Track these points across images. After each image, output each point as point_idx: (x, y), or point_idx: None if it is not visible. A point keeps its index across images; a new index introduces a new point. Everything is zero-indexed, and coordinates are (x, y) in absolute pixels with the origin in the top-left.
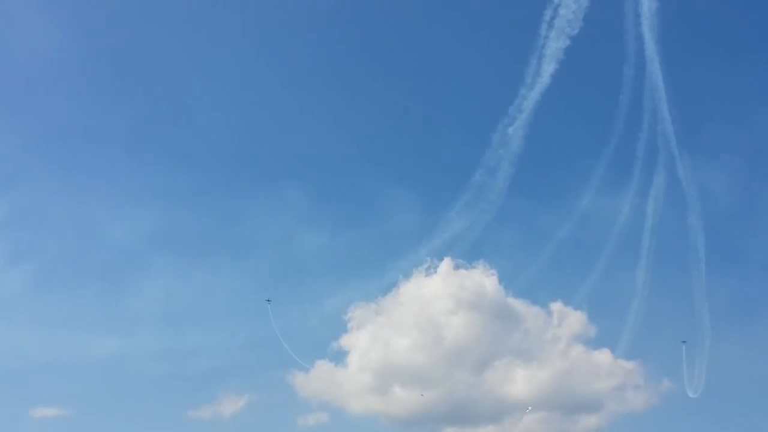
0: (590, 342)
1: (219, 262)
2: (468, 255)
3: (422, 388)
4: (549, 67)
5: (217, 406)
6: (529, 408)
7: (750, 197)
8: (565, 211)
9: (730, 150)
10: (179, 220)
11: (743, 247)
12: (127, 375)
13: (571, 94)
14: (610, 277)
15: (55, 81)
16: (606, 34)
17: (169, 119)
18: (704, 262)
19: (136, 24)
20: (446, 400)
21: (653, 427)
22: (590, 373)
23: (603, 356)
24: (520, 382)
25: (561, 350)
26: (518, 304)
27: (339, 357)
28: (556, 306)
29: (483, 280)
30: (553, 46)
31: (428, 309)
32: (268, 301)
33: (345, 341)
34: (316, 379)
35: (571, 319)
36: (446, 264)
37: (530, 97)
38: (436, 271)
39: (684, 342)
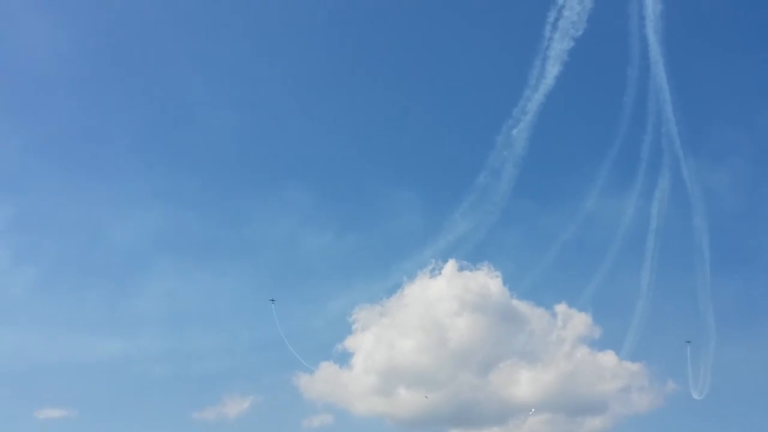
0: (595, 344)
1: (223, 263)
2: (472, 257)
3: (427, 389)
4: (553, 69)
5: (221, 407)
6: (533, 410)
7: (754, 198)
8: (570, 213)
9: (735, 151)
10: (183, 222)
11: (748, 248)
12: (132, 376)
13: (576, 96)
14: (615, 279)
15: (58, 83)
16: (610, 36)
17: (173, 121)
18: (709, 264)
19: (139, 27)
20: (451, 401)
21: (658, 429)
22: (595, 374)
23: (608, 358)
24: (524, 383)
25: (566, 352)
26: (523, 306)
27: (343, 359)
28: (561, 307)
29: (487, 281)
30: (557, 47)
31: (433, 310)
32: (272, 300)
33: (349, 343)
34: (321, 381)
35: (576, 321)
36: (451, 266)
37: (534, 98)
38: (440, 273)
39: (689, 342)
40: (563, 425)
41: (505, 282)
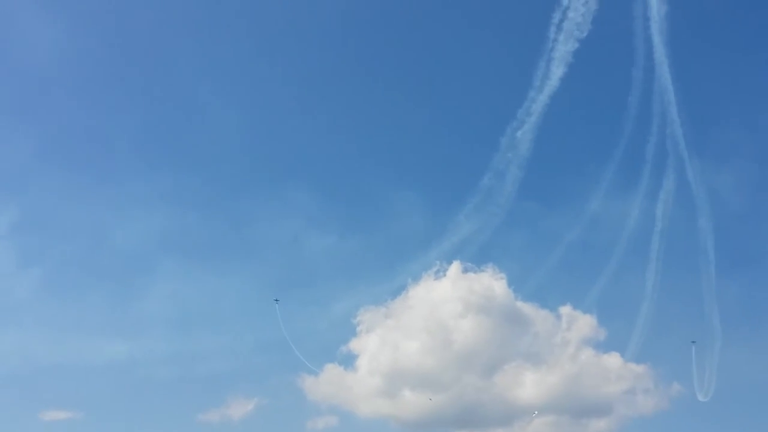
0: (600, 345)
1: (227, 265)
2: (477, 258)
3: (431, 391)
4: (558, 70)
5: (226, 409)
6: (536, 413)
7: (760, 200)
8: (574, 215)
9: (740, 153)
10: (188, 224)
11: (753, 249)
12: (137, 378)
13: (580, 97)
14: (620, 281)
15: (63, 85)
16: (615, 37)
17: (178, 122)
18: (714, 265)
19: (144, 28)
20: (455, 403)
21: (663, 431)
22: (600, 376)
23: (612, 360)
24: (529, 385)
25: (570, 354)
26: (527, 308)
27: (348, 360)
28: (566, 309)
29: (492, 283)
30: (562, 48)
31: (437, 312)
32: (276, 300)
33: (354, 345)
34: (326, 383)
35: (581, 323)
36: (455, 267)
37: (539, 100)
38: (445, 275)
39: (694, 342)
40: (568, 427)
41: (509, 284)
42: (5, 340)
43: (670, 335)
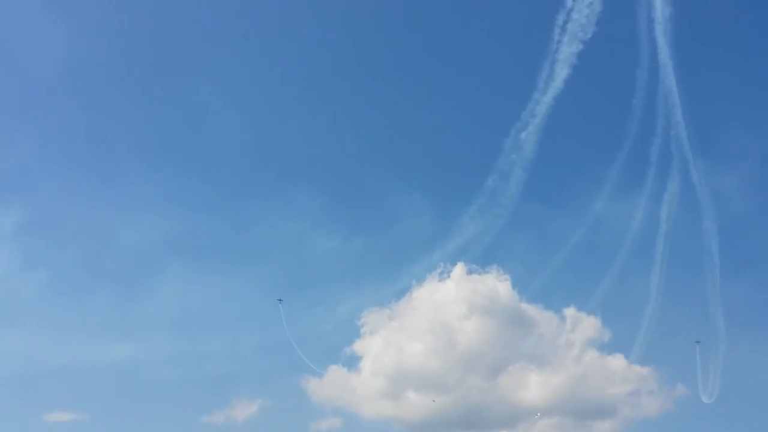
0: (604, 347)
1: (232, 266)
2: (481, 260)
3: (435, 393)
4: (562, 72)
5: (230, 411)
6: (538, 414)
7: (764, 201)
8: (579, 216)
9: (744, 154)
10: (192, 225)
11: (757, 251)
12: (141, 380)
13: (585, 99)
14: (624, 282)
15: (67, 86)
16: (619, 39)
17: (182, 124)
18: (718, 267)
19: (147, 29)
20: (459, 405)
21: None
22: (604, 378)
23: (617, 361)
24: (533, 387)
25: (574, 355)
26: (532, 309)
27: (352, 362)
28: (570, 311)
29: (496, 285)
30: (566, 50)
31: (441, 314)
32: (280, 300)
33: (358, 346)
34: (329, 384)
35: (585, 324)
36: (459, 269)
37: (543, 101)
38: (449, 276)
39: (698, 343)
40: (572, 429)
41: (513, 285)
42: (10, 341)
43: (675, 337)
